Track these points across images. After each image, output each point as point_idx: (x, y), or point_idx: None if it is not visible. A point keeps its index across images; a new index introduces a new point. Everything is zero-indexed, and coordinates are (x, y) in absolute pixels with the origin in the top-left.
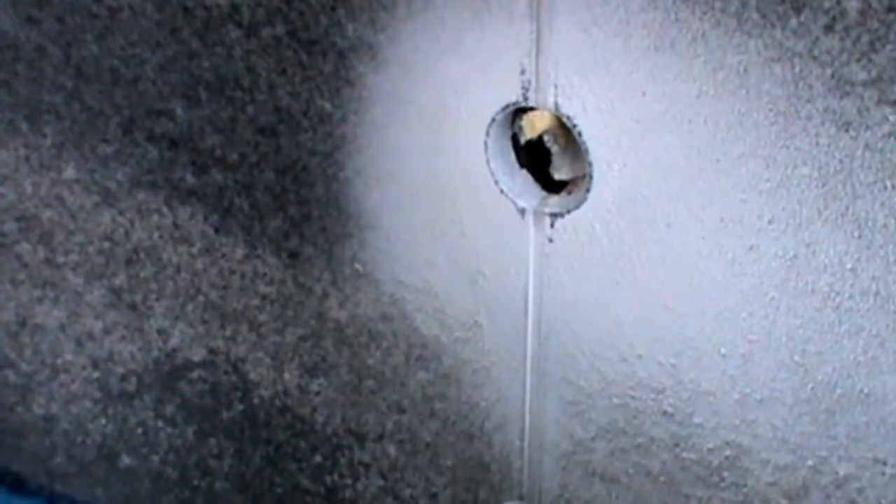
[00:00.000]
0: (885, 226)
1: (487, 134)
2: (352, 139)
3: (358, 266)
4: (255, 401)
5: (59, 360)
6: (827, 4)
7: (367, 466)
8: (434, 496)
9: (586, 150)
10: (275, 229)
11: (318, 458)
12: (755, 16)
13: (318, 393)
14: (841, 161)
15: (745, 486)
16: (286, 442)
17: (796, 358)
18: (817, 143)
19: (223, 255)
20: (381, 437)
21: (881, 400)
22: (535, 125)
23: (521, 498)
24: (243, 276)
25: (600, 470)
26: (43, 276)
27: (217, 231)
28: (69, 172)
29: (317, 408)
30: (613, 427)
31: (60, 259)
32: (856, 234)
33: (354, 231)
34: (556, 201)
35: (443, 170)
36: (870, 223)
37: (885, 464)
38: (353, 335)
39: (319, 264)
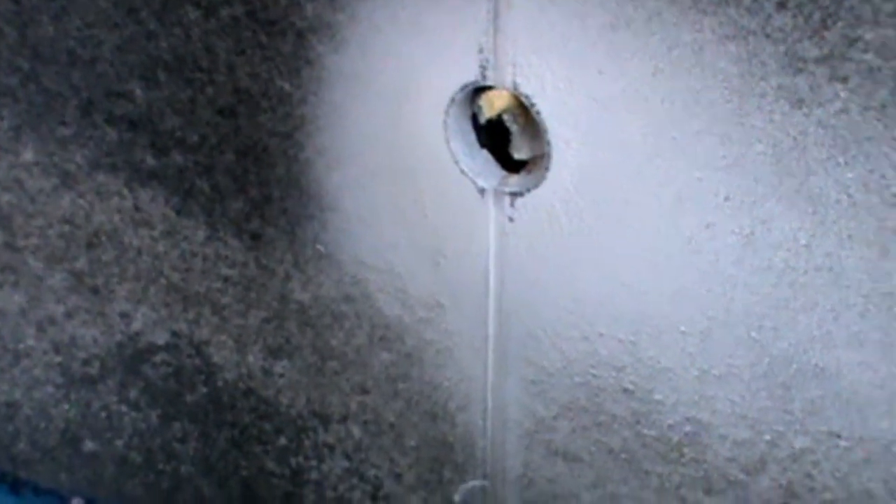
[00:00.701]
0: (837, 202)
1: (447, 113)
2: (312, 120)
3: (320, 247)
4: (219, 384)
5: (20, 346)
6: None
7: (331, 448)
8: (399, 476)
9: (545, 130)
10: (236, 211)
11: (282, 441)
12: None
13: (281, 375)
14: (795, 138)
15: (705, 461)
16: (251, 424)
17: (753, 334)
18: (771, 121)
19: (185, 238)
20: (345, 419)
21: (835, 374)
22: (493, 104)
23: (484, 477)
24: (205, 258)
25: (562, 448)
26: (2, 260)
27: (178, 213)
28: (27, 155)
29: (281, 390)
30: (575, 405)
31: (20, 243)
32: (810, 210)
33: (316, 212)
34: (516, 181)
35: (403, 150)
36: (823, 199)
37: (839, 437)
38: (316, 317)
39: (281, 246)
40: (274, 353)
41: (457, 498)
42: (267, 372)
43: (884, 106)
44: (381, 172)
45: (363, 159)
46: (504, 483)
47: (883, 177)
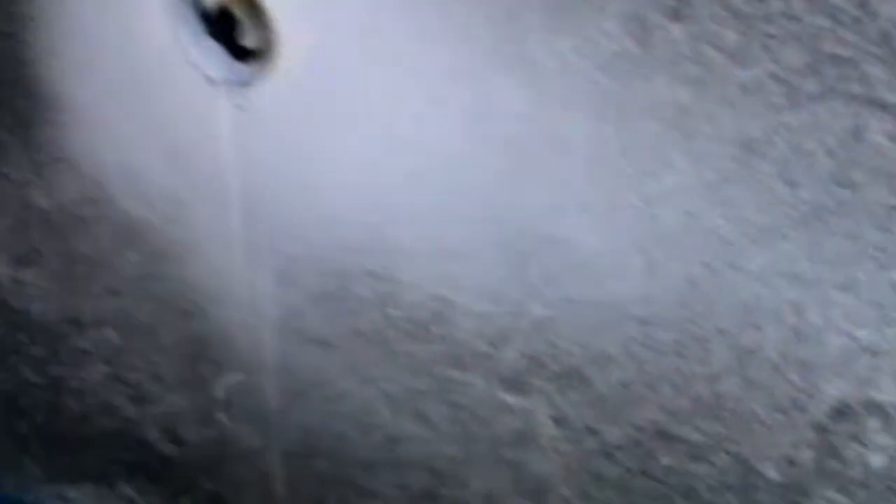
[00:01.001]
0: (556, 70)
1: (170, 3)
2: (37, 18)
3: (57, 151)
4: None
5: None
6: None
7: (89, 354)
8: (159, 377)
9: (270, 17)
10: None
11: (38, 350)
12: None
13: (31, 283)
14: (509, 7)
15: (452, 337)
16: (6, 335)
17: (487, 208)
18: None
19: None
20: (99, 323)
21: (567, 242)
22: None
23: (243, 371)
24: None
25: (316, 335)
26: None
27: None
28: None
29: (32, 298)
30: (324, 292)
31: None
32: (530, 80)
33: (50, 115)
34: (245, 70)
35: (130, 44)
36: (541, 68)
37: (574, 301)
38: (60, 222)
39: (17, 151)
40: (21, 261)
41: (219, 394)
42: (16, 281)
43: None
44: (111, 69)
45: (91, 55)
46: (263, 375)
47: (596, 43)
